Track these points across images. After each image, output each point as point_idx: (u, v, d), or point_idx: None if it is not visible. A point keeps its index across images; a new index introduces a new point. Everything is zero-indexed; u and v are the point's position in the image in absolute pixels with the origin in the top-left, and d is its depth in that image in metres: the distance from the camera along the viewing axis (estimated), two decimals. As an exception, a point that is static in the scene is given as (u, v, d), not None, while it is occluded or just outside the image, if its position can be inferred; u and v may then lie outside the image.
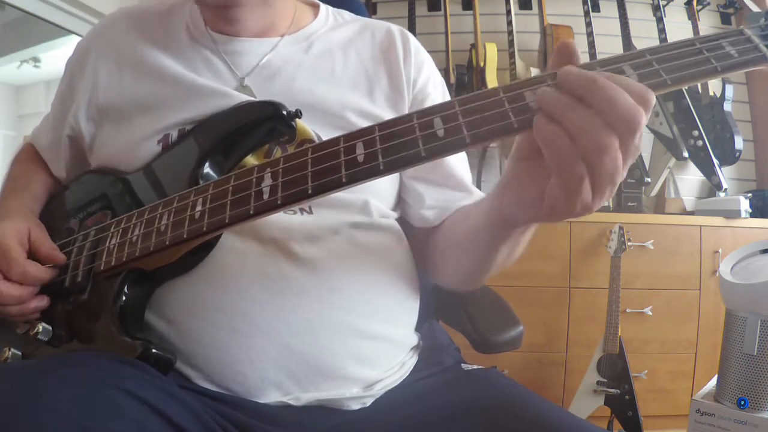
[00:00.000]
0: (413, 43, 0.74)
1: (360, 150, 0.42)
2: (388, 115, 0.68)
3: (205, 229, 0.49)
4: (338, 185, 0.43)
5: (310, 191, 0.43)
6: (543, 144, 0.38)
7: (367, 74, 0.70)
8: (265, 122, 0.59)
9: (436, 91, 0.73)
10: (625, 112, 0.36)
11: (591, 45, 2.29)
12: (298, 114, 0.60)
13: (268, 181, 0.46)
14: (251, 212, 0.46)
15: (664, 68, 0.40)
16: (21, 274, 0.56)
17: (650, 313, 2.03)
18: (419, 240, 0.71)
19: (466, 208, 0.67)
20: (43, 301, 0.58)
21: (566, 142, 0.37)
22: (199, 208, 0.50)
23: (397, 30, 0.75)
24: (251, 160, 0.61)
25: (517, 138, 0.43)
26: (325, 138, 0.63)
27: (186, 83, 0.64)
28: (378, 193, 0.67)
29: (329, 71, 0.69)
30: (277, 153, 0.62)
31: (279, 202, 0.45)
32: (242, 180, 0.48)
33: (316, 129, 0.64)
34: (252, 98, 0.63)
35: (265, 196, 0.46)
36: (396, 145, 0.41)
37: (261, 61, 0.67)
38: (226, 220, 0.47)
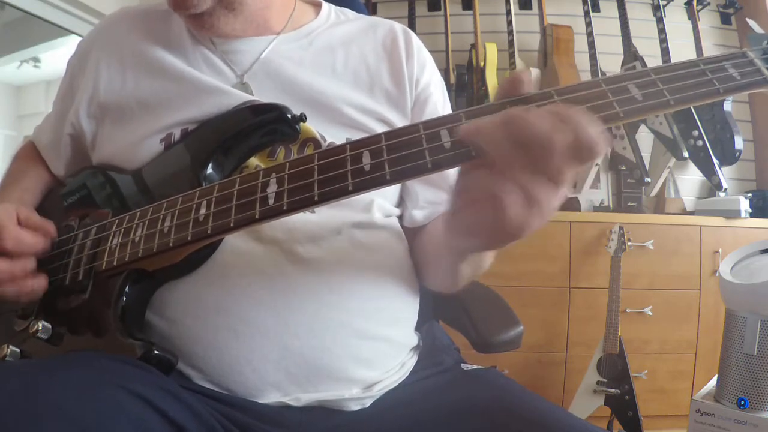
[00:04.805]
0: (416, 42, 0.74)
1: (366, 159, 0.42)
2: (388, 112, 0.68)
3: (209, 232, 0.48)
4: (344, 193, 0.43)
5: (316, 198, 0.43)
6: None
7: (368, 70, 0.70)
8: (269, 125, 0.59)
9: (438, 92, 0.74)
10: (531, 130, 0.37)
11: (591, 45, 2.29)
12: (302, 118, 0.60)
13: (273, 187, 0.46)
14: (256, 217, 0.46)
15: (668, 89, 0.40)
16: (15, 240, 0.55)
17: (650, 313, 2.03)
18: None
19: (437, 220, 0.67)
20: (41, 281, 0.56)
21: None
22: (203, 210, 0.50)
23: (400, 28, 0.75)
24: (254, 161, 0.62)
25: (457, 180, 0.43)
26: (328, 136, 0.63)
27: (189, 80, 0.64)
28: (383, 192, 0.67)
29: (330, 67, 0.69)
30: (281, 152, 0.63)
31: (285, 208, 0.45)
32: (247, 184, 0.48)
33: (316, 124, 0.64)
34: (252, 97, 0.63)
35: (271, 202, 0.46)
36: (402, 155, 0.41)
37: (259, 58, 0.67)
38: (231, 224, 0.47)
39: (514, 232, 0.39)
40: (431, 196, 0.70)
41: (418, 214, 0.70)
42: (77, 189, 0.67)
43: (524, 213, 0.38)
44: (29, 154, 0.77)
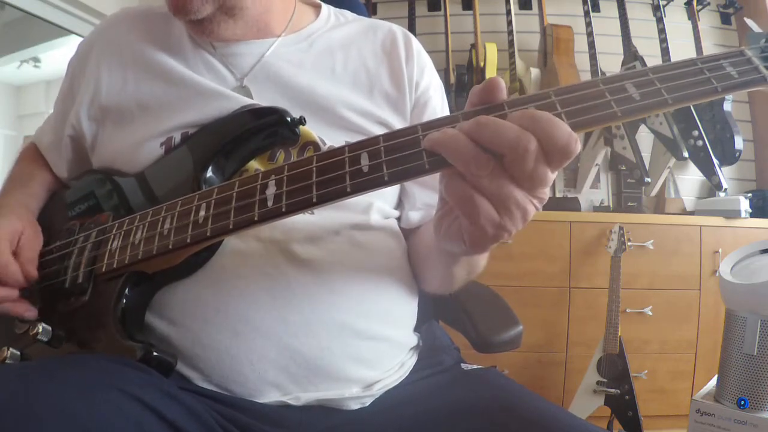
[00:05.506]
0: (415, 44, 0.74)
1: (365, 161, 0.42)
2: (387, 114, 0.69)
3: (208, 234, 0.49)
4: (343, 194, 0.43)
5: (314, 200, 0.43)
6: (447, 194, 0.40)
7: (368, 73, 0.70)
8: (270, 128, 0.59)
9: (437, 95, 0.74)
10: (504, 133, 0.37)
11: (591, 45, 2.29)
12: (302, 121, 0.60)
13: (272, 189, 0.46)
14: (255, 219, 0.46)
15: (666, 87, 0.40)
16: (2, 266, 0.58)
17: (650, 313, 2.03)
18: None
19: (429, 223, 0.68)
20: (30, 313, 0.59)
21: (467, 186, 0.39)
22: (202, 213, 0.50)
23: (400, 30, 0.75)
24: (254, 164, 0.62)
25: (439, 185, 0.44)
26: (327, 139, 0.63)
27: (190, 84, 0.64)
28: (382, 194, 0.67)
29: (329, 70, 0.69)
30: (280, 155, 0.63)
31: (283, 209, 0.45)
32: (246, 186, 0.48)
33: (316, 128, 0.64)
34: (252, 100, 0.63)
35: (270, 204, 0.46)
36: (401, 156, 0.41)
37: (259, 62, 0.67)
38: (230, 227, 0.47)
39: (489, 237, 0.40)
40: (428, 198, 0.70)
41: (414, 216, 0.70)
42: (80, 192, 0.67)
43: (497, 219, 0.39)
44: (32, 155, 0.77)
